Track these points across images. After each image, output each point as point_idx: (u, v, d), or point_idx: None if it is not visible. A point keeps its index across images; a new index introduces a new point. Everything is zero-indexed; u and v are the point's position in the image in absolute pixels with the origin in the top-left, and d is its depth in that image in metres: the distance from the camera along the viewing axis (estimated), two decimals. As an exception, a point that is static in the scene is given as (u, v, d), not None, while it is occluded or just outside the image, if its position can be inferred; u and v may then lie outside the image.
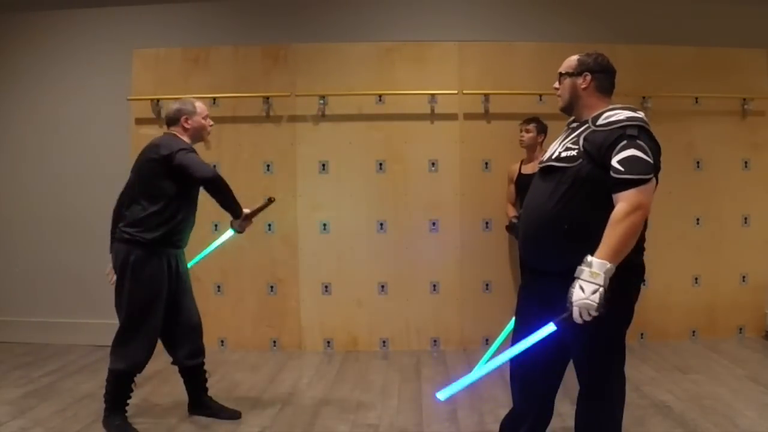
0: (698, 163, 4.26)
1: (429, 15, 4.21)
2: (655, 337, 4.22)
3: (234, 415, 2.94)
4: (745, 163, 4.28)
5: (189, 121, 2.77)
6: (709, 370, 3.56)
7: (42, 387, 3.40)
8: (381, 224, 4.20)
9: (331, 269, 4.20)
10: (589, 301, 1.73)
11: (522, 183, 3.82)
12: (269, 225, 4.20)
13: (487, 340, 4.18)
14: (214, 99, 4.14)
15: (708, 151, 4.25)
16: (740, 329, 4.31)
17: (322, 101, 4.12)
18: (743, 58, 4.25)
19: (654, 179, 1.84)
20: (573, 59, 2.11)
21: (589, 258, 1.77)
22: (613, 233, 1.78)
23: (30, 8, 4.32)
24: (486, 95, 4.10)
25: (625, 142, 1.84)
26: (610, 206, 1.82)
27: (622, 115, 1.90)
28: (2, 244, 4.42)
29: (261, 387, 3.44)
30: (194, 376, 2.94)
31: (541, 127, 3.84)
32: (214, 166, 4.11)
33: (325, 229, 4.20)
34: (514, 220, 3.75)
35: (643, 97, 4.12)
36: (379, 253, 4.19)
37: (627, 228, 1.78)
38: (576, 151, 1.93)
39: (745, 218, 4.29)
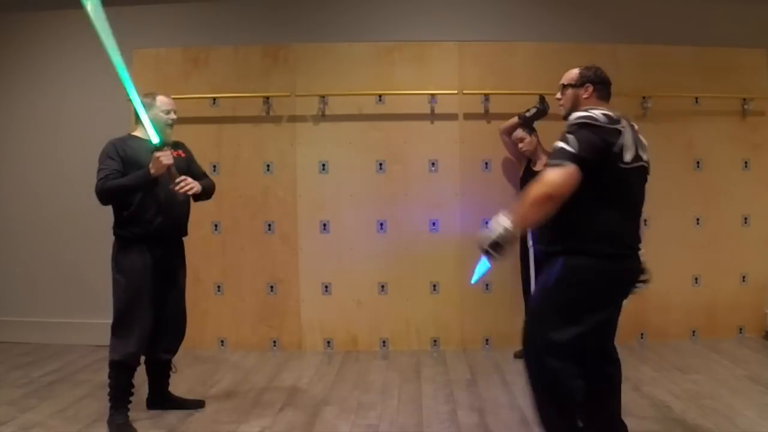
0: (698, 163, 4.26)
1: (429, 15, 4.21)
2: (655, 337, 4.22)
3: (198, 404, 3.02)
4: (745, 163, 4.28)
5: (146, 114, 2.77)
6: (709, 370, 3.56)
7: (42, 387, 3.40)
8: (381, 224, 4.20)
9: (331, 269, 4.20)
10: (486, 235, 2.04)
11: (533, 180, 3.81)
12: (269, 225, 4.20)
13: (487, 340, 4.19)
14: (214, 99, 4.15)
15: (708, 151, 4.25)
16: (740, 329, 4.31)
17: (322, 101, 4.12)
18: (743, 58, 4.25)
19: (572, 165, 1.99)
20: (575, 72, 2.31)
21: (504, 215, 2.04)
22: (525, 197, 2.05)
23: (30, 8, 4.31)
24: (486, 95, 4.10)
25: (561, 136, 2.08)
26: (582, 197, 2.02)
27: (575, 115, 2.11)
28: (2, 244, 4.42)
29: (261, 387, 3.44)
30: (163, 371, 2.99)
31: (528, 129, 3.85)
32: (214, 166, 4.12)
33: (325, 229, 4.20)
34: None
35: (643, 97, 4.12)
36: (379, 253, 4.19)
37: (531, 198, 2.01)
38: None
39: (745, 218, 4.29)
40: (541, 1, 4.23)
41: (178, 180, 2.71)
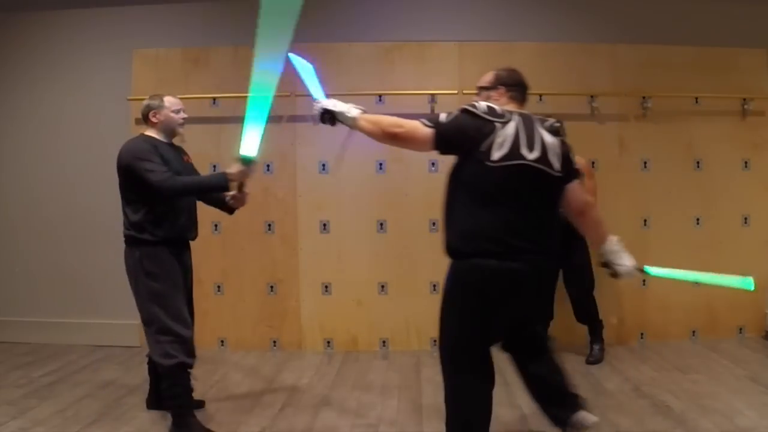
0: (698, 163, 4.26)
1: (429, 15, 4.21)
2: (655, 337, 4.22)
3: (198, 404, 2.96)
4: (745, 163, 4.28)
5: (157, 116, 2.76)
6: (709, 370, 3.56)
7: (42, 387, 3.40)
8: (381, 224, 4.20)
9: (331, 269, 4.20)
10: (328, 101, 2.35)
11: None
12: (269, 225, 4.19)
13: (487, 340, 4.18)
14: (214, 99, 4.14)
15: (708, 151, 4.25)
16: (740, 329, 4.30)
17: (322, 101, 4.12)
18: (743, 58, 4.24)
19: (432, 129, 2.13)
20: (490, 74, 2.32)
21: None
22: (379, 117, 2.27)
23: (30, 8, 4.32)
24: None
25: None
26: (463, 188, 2.16)
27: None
28: (2, 244, 4.42)
29: (261, 387, 3.44)
30: None
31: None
32: (214, 166, 4.12)
33: (325, 229, 4.20)
34: None
35: (643, 97, 4.12)
36: (379, 253, 4.19)
37: (385, 126, 2.20)
38: None
39: (745, 218, 4.29)
40: (541, 1, 4.22)
41: (244, 191, 2.77)
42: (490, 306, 2.13)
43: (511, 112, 2.12)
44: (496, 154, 2.04)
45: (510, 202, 2.08)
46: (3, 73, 4.36)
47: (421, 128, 2.14)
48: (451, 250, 2.23)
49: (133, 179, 2.63)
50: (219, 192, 2.77)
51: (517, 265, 2.07)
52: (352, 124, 2.24)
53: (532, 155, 2.07)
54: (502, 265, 2.07)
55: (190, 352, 2.69)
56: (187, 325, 2.71)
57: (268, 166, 4.20)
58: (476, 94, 2.33)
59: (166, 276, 2.68)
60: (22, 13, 4.33)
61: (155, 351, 2.65)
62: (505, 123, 2.07)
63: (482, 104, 2.12)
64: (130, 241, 2.70)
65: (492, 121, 2.07)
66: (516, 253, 2.07)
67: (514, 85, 2.27)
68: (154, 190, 2.57)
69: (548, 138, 2.12)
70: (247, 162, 2.55)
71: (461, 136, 2.09)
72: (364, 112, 2.24)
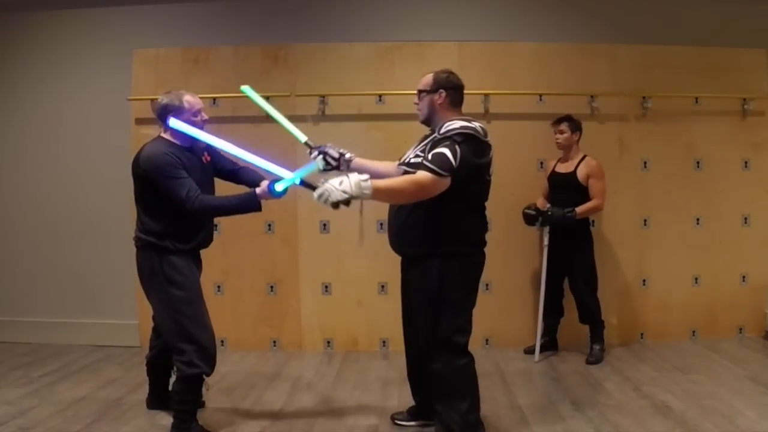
0: (698, 163, 4.26)
1: (429, 15, 4.21)
2: (655, 337, 4.22)
3: (200, 404, 2.95)
4: (745, 163, 4.28)
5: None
6: (709, 370, 3.56)
7: (42, 387, 3.40)
8: (381, 224, 4.19)
9: (331, 269, 4.20)
10: (334, 189, 2.00)
11: (554, 180, 3.84)
12: (269, 225, 4.19)
13: (487, 340, 4.18)
14: (214, 99, 4.14)
15: (708, 151, 4.25)
16: (740, 329, 4.30)
17: (322, 101, 4.12)
18: (743, 58, 4.24)
19: (449, 178, 2.18)
20: (429, 77, 2.41)
21: (365, 175, 2.07)
22: (395, 181, 2.19)
23: (30, 8, 4.31)
24: (486, 95, 4.10)
25: (447, 142, 2.20)
26: (449, 202, 2.24)
27: (458, 124, 2.24)
28: (2, 244, 4.42)
29: (261, 387, 3.44)
30: (169, 371, 2.91)
31: (574, 125, 3.75)
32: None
33: (325, 229, 4.20)
34: (532, 212, 3.72)
35: (643, 97, 4.12)
36: (379, 253, 4.17)
37: (403, 186, 2.16)
38: (422, 158, 2.26)
39: (745, 218, 4.29)
40: (541, 1, 4.22)
41: None
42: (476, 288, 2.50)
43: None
44: (491, 169, 2.35)
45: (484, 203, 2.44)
46: (3, 73, 4.36)
47: (439, 181, 2.17)
48: (450, 249, 2.35)
49: (156, 191, 2.52)
50: (246, 212, 2.61)
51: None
52: (369, 198, 2.10)
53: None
54: (484, 253, 2.47)
55: (213, 363, 2.66)
56: (211, 334, 2.68)
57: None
58: (416, 96, 2.45)
59: (190, 284, 2.63)
60: (22, 13, 4.33)
61: (179, 357, 2.60)
62: (490, 140, 2.31)
63: (477, 127, 2.26)
64: (147, 246, 2.61)
65: (487, 142, 2.28)
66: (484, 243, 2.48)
67: (453, 88, 2.38)
68: (183, 208, 2.47)
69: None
70: (276, 194, 2.49)
71: (469, 170, 2.23)
72: (367, 179, 2.06)
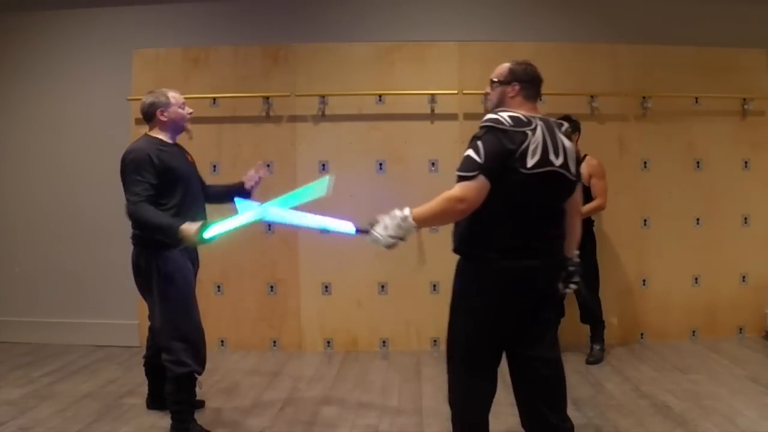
0: (698, 163, 4.26)
1: (429, 15, 4.21)
2: (655, 337, 4.22)
3: (198, 404, 2.92)
4: (745, 163, 4.28)
5: (165, 114, 2.66)
6: (709, 370, 3.56)
7: (42, 387, 3.40)
8: (381, 224, 4.19)
9: (331, 269, 4.20)
10: (380, 237, 2.02)
11: None
12: (269, 225, 4.19)
13: (487, 340, 4.18)
14: (214, 99, 4.15)
15: (708, 151, 4.25)
16: (740, 329, 4.30)
17: (322, 101, 4.12)
18: (743, 58, 4.24)
19: (480, 175, 1.99)
20: (504, 68, 2.26)
21: (406, 210, 2.01)
22: (433, 204, 2.03)
23: (30, 8, 4.31)
24: (486, 95, 4.07)
25: (472, 141, 2.06)
26: (495, 200, 2.02)
27: (488, 116, 2.09)
28: (2, 244, 4.42)
29: (261, 387, 3.44)
30: (164, 372, 2.86)
31: (573, 125, 3.70)
32: (214, 166, 4.12)
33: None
34: None
35: (643, 97, 4.12)
36: (379, 253, 4.15)
37: (440, 207, 2.01)
38: None
39: (745, 218, 4.29)
40: (541, 1, 4.22)
41: None
42: (509, 305, 2.13)
43: (534, 118, 2.09)
44: (530, 162, 2.01)
45: (535, 206, 2.08)
46: (3, 73, 4.36)
47: (469, 185, 1.99)
48: (474, 254, 2.14)
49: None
50: (163, 239, 2.51)
51: (534, 263, 2.09)
52: (410, 225, 2.03)
53: (558, 161, 2.07)
54: (522, 264, 2.08)
55: (202, 361, 2.66)
56: (201, 332, 2.68)
57: (268, 166, 4.18)
58: (489, 87, 2.29)
59: (181, 281, 2.63)
60: (22, 13, 4.33)
61: (168, 356, 2.60)
62: (533, 129, 2.04)
63: (505, 116, 2.06)
64: (141, 241, 2.63)
65: (521, 131, 2.03)
66: (534, 254, 2.09)
67: (529, 81, 2.20)
68: (126, 205, 2.51)
69: (566, 143, 2.13)
70: (203, 240, 2.39)
71: (498, 161, 2.01)
72: (405, 217, 2.02)
